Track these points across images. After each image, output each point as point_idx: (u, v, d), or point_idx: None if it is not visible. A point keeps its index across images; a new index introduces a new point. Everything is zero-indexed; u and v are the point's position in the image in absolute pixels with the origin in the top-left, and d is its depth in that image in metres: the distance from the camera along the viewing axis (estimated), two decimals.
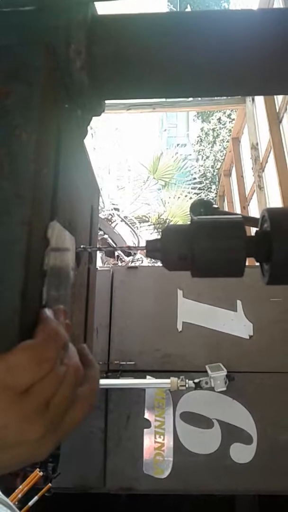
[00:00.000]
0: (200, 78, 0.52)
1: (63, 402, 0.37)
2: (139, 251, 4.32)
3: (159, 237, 0.50)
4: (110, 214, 5.17)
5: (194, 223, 0.50)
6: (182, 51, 0.50)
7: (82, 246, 0.50)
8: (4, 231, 0.36)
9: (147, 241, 0.50)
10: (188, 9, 15.74)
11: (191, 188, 8.51)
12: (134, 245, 4.46)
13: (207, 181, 12.22)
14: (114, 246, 4.26)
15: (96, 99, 0.53)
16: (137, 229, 5.69)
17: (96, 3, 0.51)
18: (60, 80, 0.47)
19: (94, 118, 0.57)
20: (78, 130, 0.55)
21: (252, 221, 0.66)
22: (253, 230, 0.59)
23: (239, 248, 0.48)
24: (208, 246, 0.48)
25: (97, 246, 0.57)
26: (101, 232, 4.44)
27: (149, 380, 1.93)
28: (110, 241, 4.43)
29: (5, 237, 0.36)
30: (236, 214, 0.66)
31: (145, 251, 0.50)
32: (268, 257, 0.49)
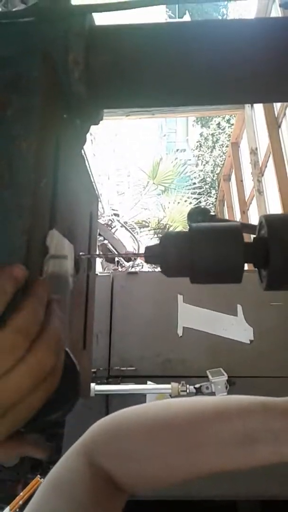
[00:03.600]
0: (198, 87, 0.52)
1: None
2: (139, 257, 4.32)
3: (158, 242, 0.50)
4: (110, 220, 5.18)
5: (193, 230, 0.50)
6: (180, 61, 0.50)
7: (81, 254, 0.51)
8: (3, 239, 0.36)
9: (146, 248, 0.50)
10: (187, 15, 15.82)
11: (191, 193, 8.53)
12: (134, 252, 4.47)
13: (207, 186, 12.25)
14: (113, 252, 4.27)
15: (94, 108, 0.53)
16: (137, 234, 5.70)
17: (94, 14, 0.52)
18: (59, 90, 0.48)
19: (93, 125, 0.58)
20: (77, 138, 0.55)
21: (250, 228, 0.67)
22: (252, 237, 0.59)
23: (237, 254, 0.48)
24: (206, 253, 0.48)
25: (96, 253, 0.58)
26: (101, 238, 4.45)
27: (150, 385, 1.92)
28: (110, 246, 4.43)
29: (5, 245, 0.36)
30: (234, 221, 0.66)
31: (144, 257, 0.50)
32: (266, 263, 0.49)
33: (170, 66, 0.51)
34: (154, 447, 0.63)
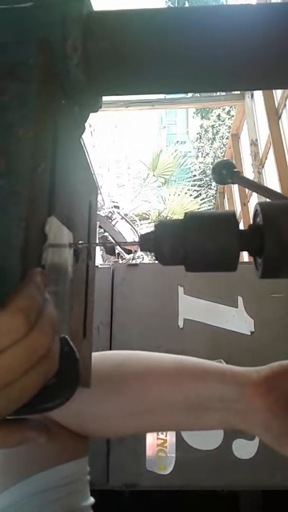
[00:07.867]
0: (197, 73, 0.52)
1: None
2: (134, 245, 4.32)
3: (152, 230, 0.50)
4: (110, 212, 5.17)
5: (187, 217, 0.50)
6: (179, 47, 0.50)
7: (80, 242, 0.50)
8: (1, 227, 0.36)
9: (141, 235, 0.50)
10: (186, 5, 15.68)
11: (191, 185, 8.51)
12: (133, 240, 4.47)
13: (207, 178, 12.21)
14: (109, 242, 4.27)
15: (93, 95, 0.53)
16: (138, 226, 5.69)
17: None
18: (56, 76, 0.47)
19: (93, 116, 0.57)
20: (75, 126, 0.55)
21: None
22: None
23: (231, 242, 0.48)
24: (200, 240, 0.48)
25: (95, 242, 0.58)
26: (101, 230, 4.44)
27: None
28: (110, 238, 4.43)
29: (2, 233, 0.36)
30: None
31: (138, 245, 0.50)
32: (261, 251, 0.49)
33: (170, 52, 0.50)
34: (105, 409, 0.66)
